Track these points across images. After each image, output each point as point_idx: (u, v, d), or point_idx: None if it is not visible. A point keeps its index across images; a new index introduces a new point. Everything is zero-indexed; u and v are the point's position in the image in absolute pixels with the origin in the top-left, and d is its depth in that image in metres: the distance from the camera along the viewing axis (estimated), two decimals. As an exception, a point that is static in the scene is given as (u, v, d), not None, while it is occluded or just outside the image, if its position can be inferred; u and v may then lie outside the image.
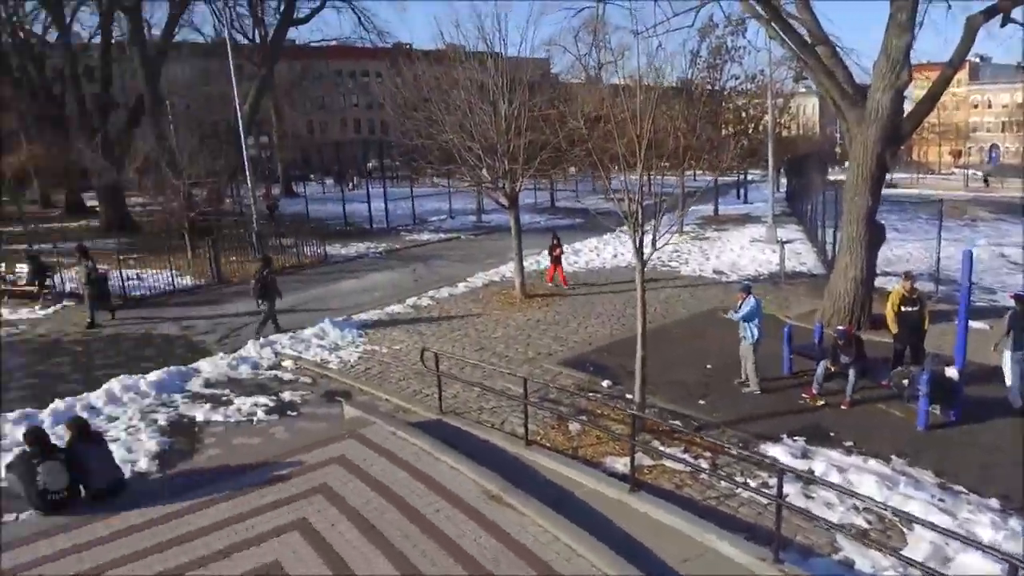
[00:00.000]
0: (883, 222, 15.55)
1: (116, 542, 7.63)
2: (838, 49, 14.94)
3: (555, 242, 19.58)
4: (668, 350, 13.69)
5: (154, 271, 22.04)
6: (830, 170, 47.97)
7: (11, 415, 11.40)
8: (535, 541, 7.41)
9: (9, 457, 8.95)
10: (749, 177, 50.22)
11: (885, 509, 7.41)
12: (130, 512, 8.24)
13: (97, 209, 34.54)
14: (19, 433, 9.74)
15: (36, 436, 8.38)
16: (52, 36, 39.38)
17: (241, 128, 25.51)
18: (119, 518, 8.12)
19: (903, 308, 11.69)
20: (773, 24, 14.50)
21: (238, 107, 26.00)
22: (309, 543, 7.48)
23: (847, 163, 15.58)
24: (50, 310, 19.55)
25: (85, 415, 10.91)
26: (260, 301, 16.13)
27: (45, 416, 11.43)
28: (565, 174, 28.31)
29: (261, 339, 15.38)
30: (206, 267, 22.74)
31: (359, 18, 44.25)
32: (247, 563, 7.16)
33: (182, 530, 7.83)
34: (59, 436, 9.80)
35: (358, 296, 20.02)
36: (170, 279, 21.41)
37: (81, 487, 8.43)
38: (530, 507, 7.96)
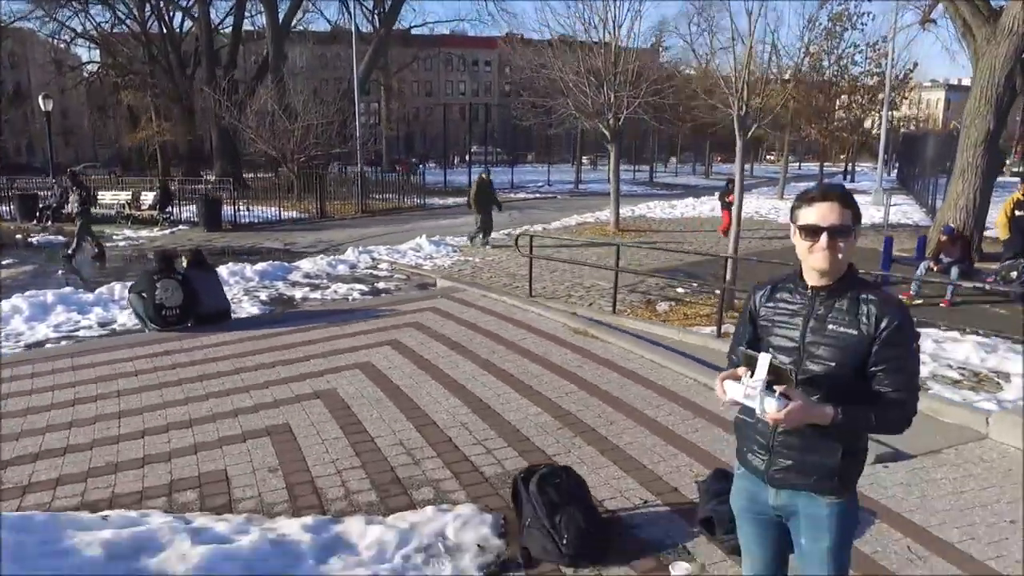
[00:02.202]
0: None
1: (222, 347, 8.13)
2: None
3: (728, 187, 19.04)
4: (761, 268, 13.34)
5: (262, 207, 23.12)
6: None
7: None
8: (620, 357, 7.45)
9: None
10: (858, 168, 48.55)
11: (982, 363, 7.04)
12: (235, 332, 8.74)
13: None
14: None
15: (162, 256, 9.00)
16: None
17: (355, 83, 26.42)
18: (226, 334, 8.63)
19: (1017, 212, 11.03)
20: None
21: (355, 65, 26.95)
22: (399, 352, 7.76)
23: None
24: (167, 231, 20.83)
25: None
26: (477, 209, 16.69)
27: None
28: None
29: (478, 246, 16.32)
30: (310, 205, 23.67)
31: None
32: (344, 361, 7.49)
33: (283, 341, 8.26)
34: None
35: (454, 229, 20.42)
36: (277, 213, 22.40)
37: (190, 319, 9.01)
38: (614, 336, 8.00)
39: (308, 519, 4.22)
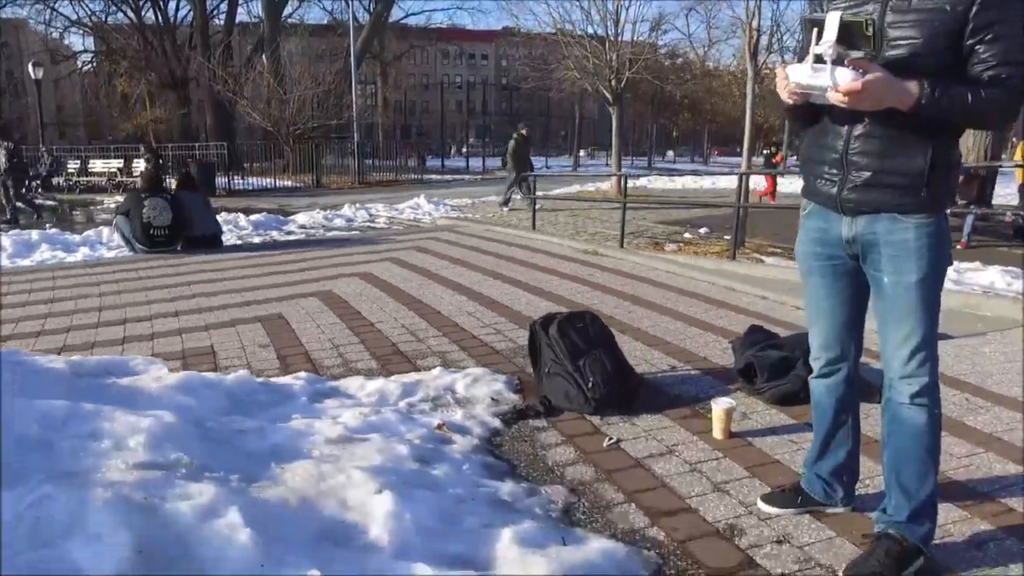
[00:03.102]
0: None
1: (214, 263, 7.70)
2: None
3: (773, 150, 18.44)
4: (777, 217, 12.99)
5: (256, 178, 22.67)
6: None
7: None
8: (633, 268, 7.06)
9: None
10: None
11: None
12: (228, 254, 8.31)
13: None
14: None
15: (148, 176, 8.58)
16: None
17: (352, 53, 25.95)
18: (219, 255, 8.20)
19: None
20: None
21: (351, 36, 26.46)
22: (401, 266, 7.35)
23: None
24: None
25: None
26: (514, 166, 15.75)
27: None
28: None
29: (506, 208, 15.15)
30: (306, 177, 23.22)
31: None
32: (342, 271, 7.08)
33: (279, 259, 7.85)
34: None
35: (453, 195, 20.02)
36: (272, 182, 21.97)
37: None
38: (625, 254, 7.63)
39: (301, 374, 3.80)
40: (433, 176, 28.01)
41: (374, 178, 24.10)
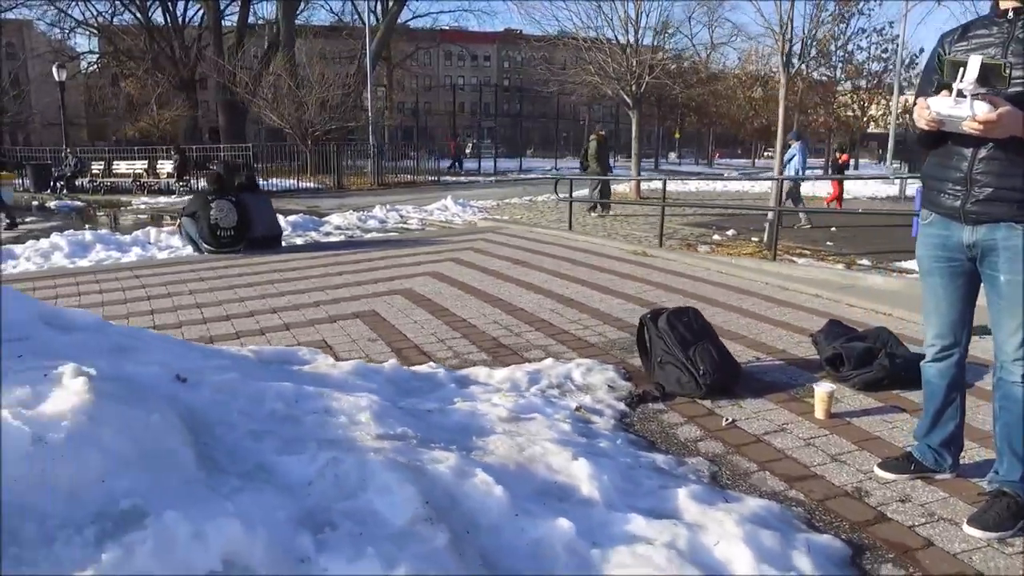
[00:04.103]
0: None
1: (284, 263, 8.10)
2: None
3: (839, 154, 18.15)
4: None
5: (277, 179, 22.98)
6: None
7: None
8: (687, 268, 7.46)
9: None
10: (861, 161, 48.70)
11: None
12: (291, 253, 8.71)
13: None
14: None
15: (215, 178, 8.96)
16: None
17: (368, 55, 26.31)
18: (284, 255, 8.60)
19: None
20: None
21: (367, 38, 26.82)
22: (464, 266, 7.74)
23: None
24: (185, 198, 20.67)
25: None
26: (598, 168, 15.33)
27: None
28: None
29: (594, 214, 14.66)
30: (326, 178, 23.57)
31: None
32: (411, 271, 7.47)
33: (345, 259, 8.24)
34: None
35: (476, 196, 20.37)
36: (295, 183, 22.31)
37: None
38: (674, 255, 8.04)
39: (430, 363, 4.21)
40: (448, 178, 28.37)
41: (392, 179, 24.45)
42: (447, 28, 62.52)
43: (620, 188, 21.47)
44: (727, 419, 3.57)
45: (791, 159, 13.21)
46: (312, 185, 22.78)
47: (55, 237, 10.71)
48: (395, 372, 3.62)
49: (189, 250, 9.67)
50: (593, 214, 14.34)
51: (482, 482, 2.29)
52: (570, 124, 53.90)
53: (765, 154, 71.82)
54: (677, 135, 57.90)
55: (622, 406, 3.71)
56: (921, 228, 2.77)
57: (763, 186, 24.63)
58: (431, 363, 4.20)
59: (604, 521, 2.33)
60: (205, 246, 8.71)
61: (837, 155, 17.68)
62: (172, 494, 1.93)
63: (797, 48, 10.48)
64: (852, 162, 39.45)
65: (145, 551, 1.70)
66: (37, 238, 11.46)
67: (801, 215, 12.94)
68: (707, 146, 52.39)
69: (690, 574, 2.10)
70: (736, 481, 2.95)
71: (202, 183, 22.09)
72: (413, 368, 3.97)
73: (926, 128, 2.48)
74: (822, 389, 3.60)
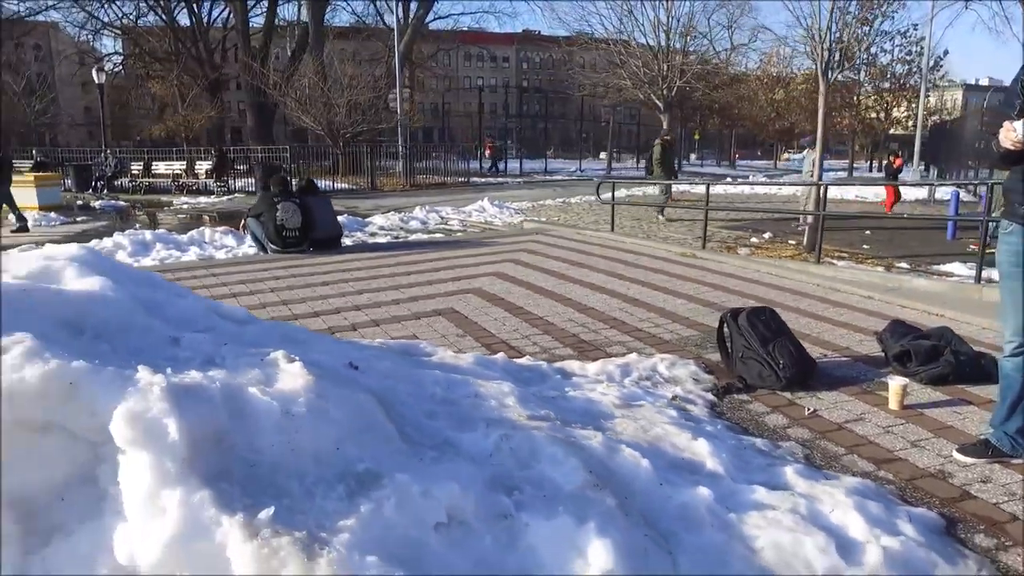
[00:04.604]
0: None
1: (351, 262, 8.50)
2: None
3: (894, 157, 17.82)
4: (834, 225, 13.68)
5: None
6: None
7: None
8: (738, 271, 7.79)
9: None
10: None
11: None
12: (354, 253, 9.11)
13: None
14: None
15: (280, 180, 9.38)
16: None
17: (396, 61, 26.78)
18: (347, 254, 9.01)
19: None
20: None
21: (396, 38, 27.26)
22: (524, 266, 8.11)
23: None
24: (224, 198, 21.24)
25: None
26: (664, 173, 15.64)
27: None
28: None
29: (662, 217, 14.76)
30: (359, 179, 24.03)
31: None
32: (474, 271, 7.84)
33: (406, 259, 8.63)
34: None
35: (509, 197, 20.73)
36: (330, 184, 22.77)
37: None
38: (723, 257, 8.36)
39: (528, 356, 4.58)
40: (477, 179, 28.76)
41: (423, 180, 24.88)
42: (467, 29, 62.97)
43: (651, 190, 21.79)
44: (809, 409, 3.92)
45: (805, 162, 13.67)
46: (346, 186, 23.24)
47: (118, 236, 11.17)
48: (507, 363, 4.00)
49: (244, 249, 10.15)
50: (662, 217, 14.52)
51: (630, 456, 2.66)
52: (590, 125, 54.13)
53: (785, 156, 71.82)
54: (697, 136, 58.08)
55: (710, 396, 4.07)
56: (1001, 237, 3.11)
57: (789, 189, 24.85)
58: (528, 356, 4.56)
59: (732, 491, 2.69)
60: (271, 246, 9.13)
61: (891, 159, 17.56)
62: (390, 460, 2.32)
63: (835, 56, 10.75)
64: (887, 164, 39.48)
65: (390, 505, 2.08)
66: (100, 237, 11.99)
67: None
68: (728, 148, 52.46)
69: (816, 534, 2.46)
70: (828, 462, 3.30)
71: (239, 183, 22.68)
72: (516, 361, 4.34)
73: (1011, 148, 2.83)
74: (896, 382, 3.94)
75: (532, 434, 2.65)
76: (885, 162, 17.61)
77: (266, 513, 1.95)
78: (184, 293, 3.46)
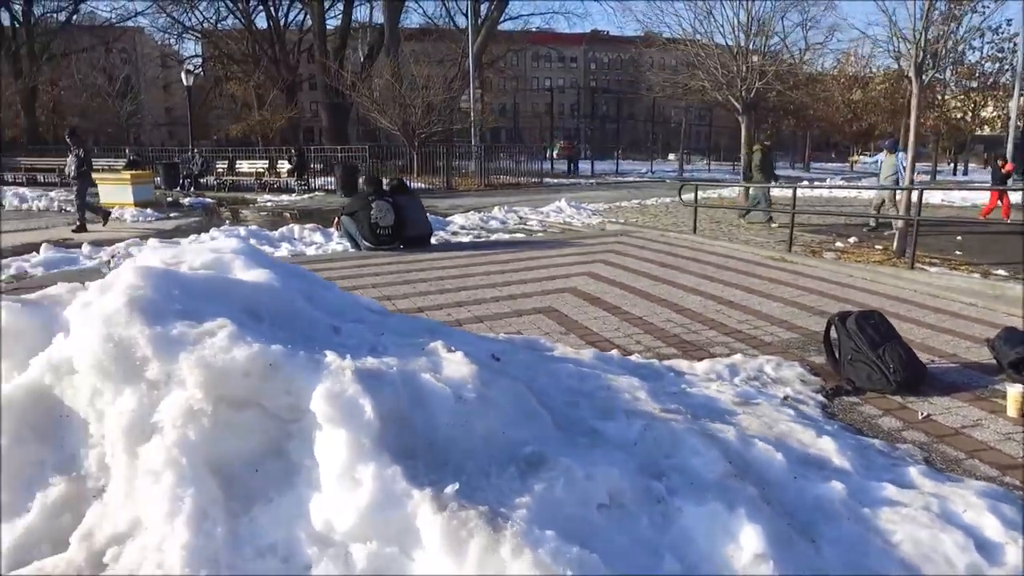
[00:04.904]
0: None
1: (443, 260, 8.78)
2: None
3: (1001, 163, 17.18)
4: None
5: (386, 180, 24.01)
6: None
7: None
8: (831, 275, 7.77)
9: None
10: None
11: None
12: (444, 251, 9.39)
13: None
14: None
15: (373, 180, 9.75)
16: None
17: (470, 62, 27.18)
18: (438, 252, 9.30)
19: None
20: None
21: (470, 37, 27.65)
22: (614, 267, 8.24)
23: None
24: (304, 196, 21.93)
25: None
26: (763, 178, 15.23)
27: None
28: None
29: (774, 224, 14.37)
30: (434, 179, 24.49)
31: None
32: (566, 271, 8.02)
33: (496, 258, 8.86)
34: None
35: (584, 198, 20.84)
36: (408, 184, 23.25)
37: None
38: (814, 261, 8.32)
39: (636, 354, 4.73)
40: (550, 179, 28.96)
41: (497, 180, 25.21)
42: (536, 30, 63.27)
43: (725, 192, 21.63)
44: (922, 413, 3.97)
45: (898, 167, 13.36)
46: (422, 185, 23.72)
47: (214, 232, 11.77)
48: (623, 360, 4.17)
49: (332, 246, 10.57)
50: (773, 224, 14.27)
51: (764, 449, 2.79)
52: (659, 126, 53.72)
53: (860, 157, 69.83)
54: (769, 138, 57.01)
55: (821, 397, 4.15)
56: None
57: (868, 193, 24.29)
58: (637, 354, 4.71)
59: (862, 487, 2.80)
60: (365, 243, 9.49)
61: (1000, 164, 16.74)
62: (551, 445, 2.51)
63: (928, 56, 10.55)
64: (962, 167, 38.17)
65: (560, 486, 2.28)
66: (196, 232, 12.63)
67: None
68: (803, 149, 51.37)
69: (953, 532, 2.55)
70: (949, 466, 3.37)
71: (318, 181, 23.39)
72: (629, 358, 4.50)
73: None
74: (1015, 389, 3.96)
75: (671, 425, 2.82)
76: (994, 165, 16.76)
77: (452, 488, 2.17)
78: (329, 286, 3.73)
